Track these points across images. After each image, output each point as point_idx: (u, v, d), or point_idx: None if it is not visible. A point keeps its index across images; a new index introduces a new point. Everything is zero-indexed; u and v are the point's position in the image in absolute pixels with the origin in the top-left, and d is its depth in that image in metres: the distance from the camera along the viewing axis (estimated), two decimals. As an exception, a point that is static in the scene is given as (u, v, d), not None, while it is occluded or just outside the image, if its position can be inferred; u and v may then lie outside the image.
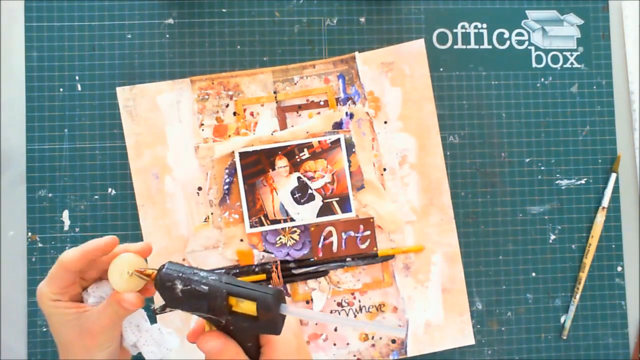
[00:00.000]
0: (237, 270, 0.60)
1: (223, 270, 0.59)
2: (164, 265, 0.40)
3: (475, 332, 0.62)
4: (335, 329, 0.61)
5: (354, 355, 0.61)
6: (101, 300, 0.42)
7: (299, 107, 0.62)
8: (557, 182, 0.63)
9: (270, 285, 0.38)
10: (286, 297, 0.60)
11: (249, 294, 0.38)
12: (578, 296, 0.62)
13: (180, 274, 0.39)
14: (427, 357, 0.61)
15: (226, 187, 0.60)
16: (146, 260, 0.44)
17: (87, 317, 0.41)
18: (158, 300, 0.42)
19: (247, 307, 0.38)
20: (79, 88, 0.61)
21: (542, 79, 0.64)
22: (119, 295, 0.40)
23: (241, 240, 0.60)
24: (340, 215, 0.61)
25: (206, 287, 0.38)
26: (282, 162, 0.60)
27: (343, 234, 0.61)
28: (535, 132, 0.63)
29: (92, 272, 0.43)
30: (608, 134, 0.64)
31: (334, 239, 0.61)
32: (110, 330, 0.41)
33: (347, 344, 0.61)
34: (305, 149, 0.61)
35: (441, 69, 0.63)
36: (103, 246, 0.41)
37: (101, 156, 0.61)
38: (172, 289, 0.39)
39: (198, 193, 0.60)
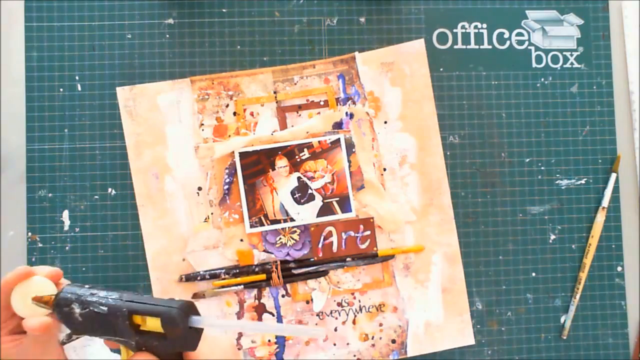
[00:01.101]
0: (237, 270, 0.60)
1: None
2: (61, 290, 0.38)
3: (475, 332, 0.62)
4: (336, 329, 0.61)
5: (354, 355, 0.61)
6: None
7: (299, 107, 0.62)
8: (557, 182, 0.63)
9: (189, 299, 0.36)
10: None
11: (152, 310, 0.35)
12: (578, 296, 0.62)
13: (78, 297, 0.37)
14: (427, 357, 0.61)
15: (226, 187, 0.60)
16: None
17: (23, 347, 0.40)
18: (64, 329, 0.42)
19: (154, 324, 0.35)
20: (79, 88, 0.61)
21: (542, 79, 0.64)
22: (23, 322, 0.39)
23: (241, 240, 0.60)
24: (340, 215, 0.61)
25: (105, 308, 0.36)
26: (282, 162, 0.60)
27: (343, 234, 0.61)
28: (535, 132, 0.63)
29: None
30: (608, 134, 0.64)
31: (334, 239, 0.61)
32: (43, 356, 0.41)
33: (347, 344, 0.61)
34: (305, 149, 0.61)
35: (441, 69, 0.63)
36: (14, 279, 0.40)
37: (101, 156, 0.61)
38: (72, 314, 0.37)
39: (198, 193, 0.60)
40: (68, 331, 0.39)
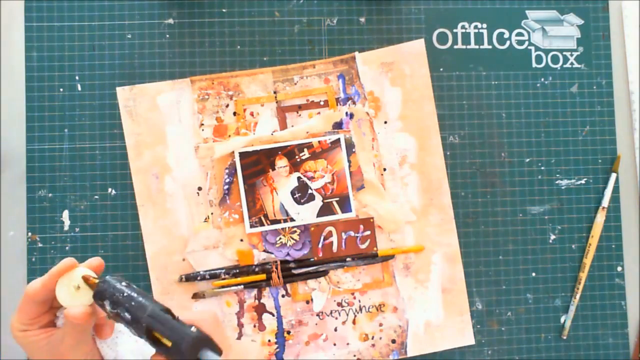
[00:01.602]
0: (237, 270, 0.60)
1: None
2: (102, 281, 0.40)
3: (475, 332, 0.62)
4: (336, 329, 0.61)
5: (354, 355, 0.61)
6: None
7: (299, 107, 0.62)
8: (557, 182, 0.63)
9: (195, 329, 0.39)
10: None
11: (167, 335, 0.38)
12: (578, 296, 0.62)
13: (112, 294, 0.39)
14: (427, 357, 0.61)
15: (226, 187, 0.60)
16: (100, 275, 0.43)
17: (54, 339, 0.41)
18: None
19: (164, 339, 0.38)
20: (79, 88, 0.61)
21: (542, 79, 0.64)
22: (65, 311, 0.40)
23: (241, 240, 0.60)
24: (340, 215, 0.61)
25: (129, 316, 0.38)
26: (282, 162, 0.60)
27: (343, 234, 0.61)
28: (535, 132, 0.63)
29: None
30: (608, 134, 0.64)
31: (334, 239, 0.61)
32: (77, 348, 0.41)
33: (347, 344, 0.61)
34: (305, 149, 0.61)
35: (441, 69, 0.63)
36: (60, 271, 0.41)
37: (101, 156, 0.61)
38: (103, 307, 0.39)
39: (198, 193, 0.60)
40: (121, 335, 0.42)
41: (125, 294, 0.39)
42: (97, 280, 0.41)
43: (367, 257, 0.61)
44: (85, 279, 0.41)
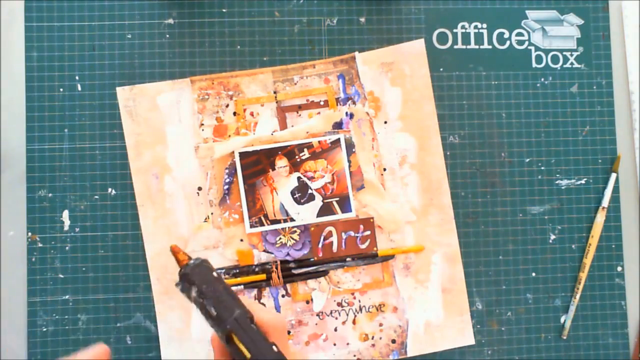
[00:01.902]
0: (237, 270, 0.60)
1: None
2: (197, 260, 0.39)
3: (475, 332, 0.62)
4: (336, 329, 0.61)
5: (354, 355, 0.61)
6: None
7: (299, 107, 0.62)
8: (557, 182, 0.63)
9: (276, 349, 0.38)
10: (285, 298, 0.60)
11: (247, 345, 0.37)
12: (578, 296, 0.62)
13: (200, 283, 0.38)
14: (427, 357, 0.61)
15: (226, 187, 0.60)
16: None
17: None
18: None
19: (245, 350, 0.38)
20: (79, 88, 0.61)
21: (542, 79, 0.64)
22: None
23: (241, 240, 0.60)
24: (340, 215, 0.61)
25: (215, 312, 0.38)
26: (282, 162, 0.60)
27: (343, 234, 0.61)
28: (535, 132, 0.63)
29: None
30: (608, 134, 0.64)
31: (334, 239, 0.61)
32: None
33: (347, 344, 0.61)
34: (305, 149, 0.61)
35: (441, 69, 0.63)
36: None
37: (101, 156, 0.61)
38: (188, 291, 0.39)
39: (198, 193, 0.60)
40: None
41: (214, 288, 0.38)
42: (189, 259, 0.40)
43: (367, 257, 0.61)
44: (175, 252, 0.40)
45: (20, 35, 0.61)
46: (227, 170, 0.60)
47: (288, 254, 0.60)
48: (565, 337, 0.62)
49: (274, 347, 0.38)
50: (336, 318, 0.61)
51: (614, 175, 0.63)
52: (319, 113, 0.62)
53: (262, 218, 0.60)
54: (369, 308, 0.61)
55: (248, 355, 0.37)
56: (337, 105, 0.62)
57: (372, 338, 0.61)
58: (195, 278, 0.39)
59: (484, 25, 0.64)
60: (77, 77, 0.61)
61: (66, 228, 0.60)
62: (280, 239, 0.60)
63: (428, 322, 0.61)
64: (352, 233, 0.61)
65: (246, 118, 0.61)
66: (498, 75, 0.63)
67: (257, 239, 0.60)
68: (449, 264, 0.62)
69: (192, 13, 0.62)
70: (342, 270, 0.61)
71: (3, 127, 0.61)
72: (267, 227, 0.60)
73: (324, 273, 0.60)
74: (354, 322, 0.61)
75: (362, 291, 0.61)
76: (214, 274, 0.40)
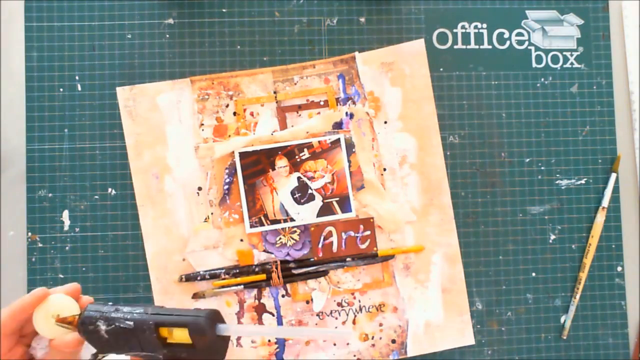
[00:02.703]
0: (237, 270, 0.60)
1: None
2: (85, 309, 0.38)
3: (475, 332, 0.62)
4: (336, 329, 0.61)
5: (354, 355, 0.61)
6: (48, 349, 0.40)
7: (299, 107, 0.62)
8: (557, 182, 0.63)
9: (214, 308, 0.37)
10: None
11: (178, 321, 0.35)
12: (578, 296, 0.62)
13: (102, 314, 0.37)
14: (427, 357, 0.61)
15: (226, 187, 0.60)
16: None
17: None
18: (90, 349, 0.42)
19: (181, 336, 0.36)
20: (79, 88, 0.61)
21: (542, 79, 0.64)
22: (53, 342, 0.38)
23: (241, 240, 0.60)
24: (340, 215, 0.61)
25: (131, 322, 0.36)
26: (282, 162, 0.60)
27: (343, 234, 0.61)
28: (535, 132, 0.63)
29: (30, 325, 0.40)
30: (608, 134, 0.64)
31: (334, 239, 0.61)
32: None
33: (347, 344, 0.61)
34: (305, 149, 0.61)
35: (441, 69, 0.63)
36: (33, 302, 0.39)
37: (101, 156, 0.61)
38: (97, 332, 0.37)
39: (198, 193, 0.60)
40: (94, 351, 0.38)
41: (117, 308, 0.37)
42: (75, 316, 0.38)
43: (367, 257, 0.61)
44: (62, 321, 0.38)
45: (20, 35, 0.61)
46: (227, 170, 0.60)
47: (288, 254, 0.60)
48: (565, 337, 0.62)
49: (200, 308, 0.37)
50: (336, 318, 0.61)
51: (614, 175, 0.63)
52: (319, 113, 0.62)
53: (262, 218, 0.60)
54: (369, 308, 0.61)
55: (185, 330, 0.35)
56: (337, 105, 0.62)
57: (372, 338, 0.61)
58: (93, 313, 0.37)
59: (484, 25, 0.64)
60: (77, 77, 0.61)
61: (66, 228, 0.60)
62: (280, 239, 0.60)
63: (428, 322, 0.61)
64: (352, 233, 0.61)
65: (246, 118, 0.61)
66: (498, 75, 0.63)
67: (257, 239, 0.60)
68: (449, 264, 0.62)
69: (192, 13, 0.62)
70: (342, 270, 0.61)
71: (3, 127, 0.61)
72: (267, 227, 0.60)
73: (324, 273, 0.60)
74: (354, 322, 0.61)
75: (362, 291, 0.61)
76: (109, 302, 0.39)
